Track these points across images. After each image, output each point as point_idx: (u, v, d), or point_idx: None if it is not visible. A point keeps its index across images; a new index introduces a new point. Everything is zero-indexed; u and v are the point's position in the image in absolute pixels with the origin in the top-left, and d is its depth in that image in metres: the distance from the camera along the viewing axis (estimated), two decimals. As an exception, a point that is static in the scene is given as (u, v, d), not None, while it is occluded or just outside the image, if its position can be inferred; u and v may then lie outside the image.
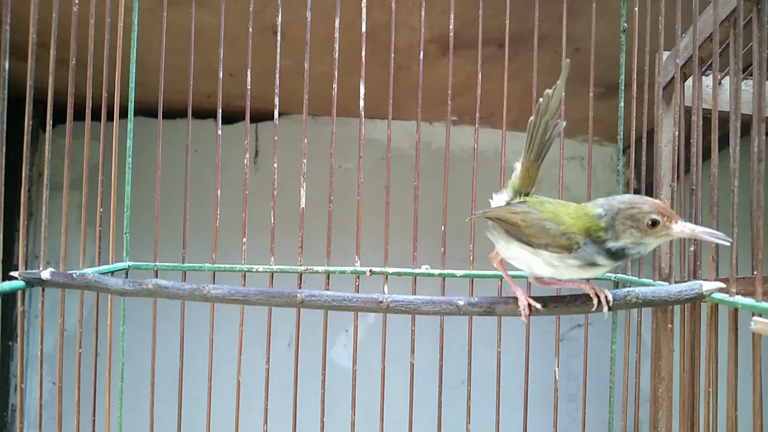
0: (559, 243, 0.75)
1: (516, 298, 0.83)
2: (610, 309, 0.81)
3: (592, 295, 0.81)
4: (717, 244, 0.77)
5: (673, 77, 1.09)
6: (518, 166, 0.84)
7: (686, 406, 0.93)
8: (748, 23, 0.86)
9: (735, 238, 0.79)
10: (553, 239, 0.75)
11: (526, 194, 0.84)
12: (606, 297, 0.81)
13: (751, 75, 0.98)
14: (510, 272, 0.93)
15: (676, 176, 1.05)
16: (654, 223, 0.72)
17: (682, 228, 0.72)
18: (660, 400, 1.05)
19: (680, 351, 0.95)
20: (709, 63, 1.06)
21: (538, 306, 0.82)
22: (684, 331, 0.95)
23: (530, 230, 0.77)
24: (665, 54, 1.16)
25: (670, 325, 1.02)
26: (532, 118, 0.80)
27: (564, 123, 0.82)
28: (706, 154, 0.90)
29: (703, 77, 1.04)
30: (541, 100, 0.79)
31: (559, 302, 0.84)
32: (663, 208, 0.72)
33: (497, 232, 0.83)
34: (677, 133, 1.04)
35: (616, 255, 0.75)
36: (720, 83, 1.04)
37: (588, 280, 0.86)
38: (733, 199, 0.81)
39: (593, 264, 0.76)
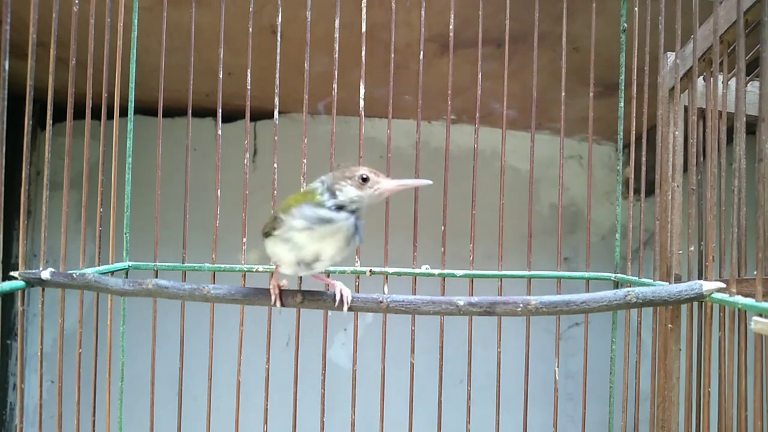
0: (272, 223, 0.87)
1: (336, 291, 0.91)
2: (350, 309, 0.91)
3: (336, 293, 0.90)
4: (716, 244, 0.77)
5: (678, 79, 1.09)
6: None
7: (689, 405, 0.93)
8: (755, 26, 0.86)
9: (735, 238, 0.79)
10: (273, 221, 0.86)
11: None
12: (346, 297, 0.90)
13: (758, 77, 0.98)
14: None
15: (682, 175, 1.05)
16: (365, 179, 0.86)
17: (388, 182, 0.87)
18: (667, 402, 1.05)
19: (687, 351, 0.96)
20: (712, 67, 1.06)
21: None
22: (691, 333, 0.95)
23: (273, 224, 0.86)
24: (670, 54, 1.16)
25: (670, 325, 1.02)
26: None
27: None
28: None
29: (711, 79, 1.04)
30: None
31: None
32: (372, 170, 0.87)
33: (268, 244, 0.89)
34: (677, 133, 1.04)
35: (343, 208, 0.86)
36: (727, 83, 1.04)
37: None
38: (733, 199, 0.81)
39: (326, 220, 0.85)
